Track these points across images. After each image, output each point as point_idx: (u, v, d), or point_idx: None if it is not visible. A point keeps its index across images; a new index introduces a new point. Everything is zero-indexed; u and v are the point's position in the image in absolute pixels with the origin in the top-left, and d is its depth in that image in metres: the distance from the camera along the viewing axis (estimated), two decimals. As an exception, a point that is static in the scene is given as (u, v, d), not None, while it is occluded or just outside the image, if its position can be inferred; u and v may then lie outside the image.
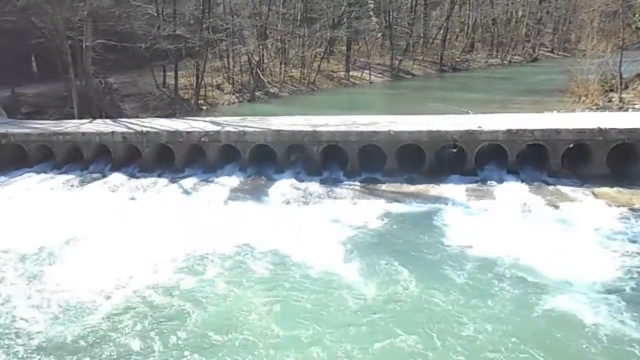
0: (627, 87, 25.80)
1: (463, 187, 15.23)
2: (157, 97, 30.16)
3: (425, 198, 14.76)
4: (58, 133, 18.70)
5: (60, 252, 12.37)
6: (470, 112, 20.33)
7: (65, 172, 18.09)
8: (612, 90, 25.77)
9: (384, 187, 15.73)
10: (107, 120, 21.03)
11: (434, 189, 15.28)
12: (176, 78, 30.46)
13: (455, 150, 16.68)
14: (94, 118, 22.34)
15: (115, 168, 18.00)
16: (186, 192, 16.20)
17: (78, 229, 13.51)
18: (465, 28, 59.90)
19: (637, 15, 27.94)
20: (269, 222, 13.69)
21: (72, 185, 17.05)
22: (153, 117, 25.07)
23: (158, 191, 16.38)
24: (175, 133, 17.91)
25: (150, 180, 17.18)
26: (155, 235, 12.97)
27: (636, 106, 23.22)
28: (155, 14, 29.32)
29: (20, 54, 25.21)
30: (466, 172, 15.97)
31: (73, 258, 12.07)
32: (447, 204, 14.31)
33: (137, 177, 17.46)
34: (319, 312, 9.65)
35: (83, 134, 18.53)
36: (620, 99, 24.44)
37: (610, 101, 24.83)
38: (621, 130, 15.19)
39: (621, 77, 25.58)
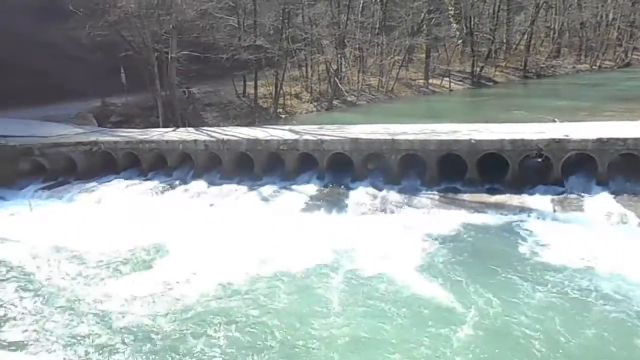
0: None
1: (548, 197, 14.48)
2: (237, 106, 31.01)
3: (508, 209, 14.14)
4: (144, 141, 19.50)
5: (148, 257, 12.84)
6: (556, 120, 19.34)
7: (150, 179, 18.79)
8: None
9: (464, 197, 15.19)
10: (190, 129, 21.77)
11: (517, 200, 14.60)
12: (256, 87, 31.16)
13: (540, 160, 15.75)
14: (178, 127, 23.25)
15: (197, 175, 18.51)
16: (264, 199, 16.39)
17: (160, 235, 14.00)
18: (551, 33, 57.17)
19: None
20: (345, 232, 13.53)
21: (157, 192, 17.69)
22: (233, 125, 25.81)
23: (237, 198, 16.68)
24: (255, 141, 18.20)
25: (230, 187, 17.51)
26: (233, 243, 13.18)
27: None
28: (237, 25, 30.25)
29: (110, 66, 26.76)
30: (552, 182, 15.16)
31: (158, 263, 12.49)
32: (531, 215, 13.66)
33: (218, 184, 17.85)
34: (404, 337, 9.06)
35: (167, 142, 19.25)
36: None
37: None
38: None
39: None
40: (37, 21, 27.25)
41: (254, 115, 30.00)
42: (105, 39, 25.27)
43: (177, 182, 18.31)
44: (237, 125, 26.08)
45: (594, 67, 54.58)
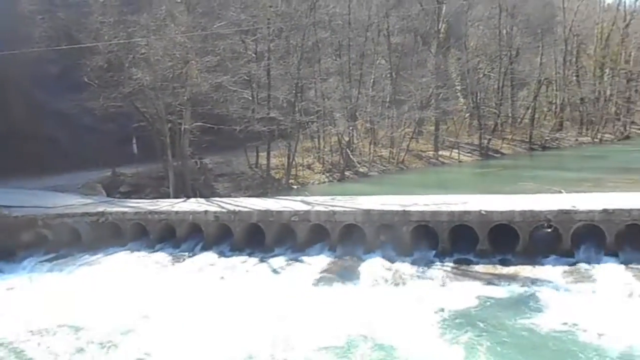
0: None
1: (560, 269, 14.52)
2: (249, 176, 31.36)
3: (520, 280, 14.15)
4: (153, 212, 19.45)
5: (149, 334, 12.51)
6: (563, 191, 19.57)
7: (158, 250, 18.55)
8: None
9: (477, 268, 15.18)
10: (201, 200, 21.93)
11: (529, 271, 14.62)
12: (268, 158, 31.66)
13: (549, 231, 16.04)
14: (188, 197, 23.38)
15: (207, 247, 18.36)
16: (275, 271, 16.27)
17: (165, 311, 13.74)
18: (553, 107, 58.94)
19: None
20: (358, 306, 13.38)
21: (164, 264, 17.41)
22: (245, 196, 25.96)
23: (247, 270, 16.53)
24: (266, 212, 18.29)
25: (240, 259, 17.35)
26: (242, 320, 12.94)
27: None
28: (251, 98, 31.08)
29: (122, 136, 27.25)
30: (562, 253, 15.26)
31: (154, 341, 12.16)
32: (544, 286, 13.67)
33: (228, 256, 17.68)
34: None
35: (177, 212, 19.26)
36: None
37: None
38: None
39: None
40: (52, 91, 28.18)
41: (266, 186, 30.27)
42: (118, 109, 25.84)
43: (186, 254, 18.08)
44: (249, 196, 26.25)
45: (595, 139, 56.00)
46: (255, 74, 30.75)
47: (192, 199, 22.40)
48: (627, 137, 58.41)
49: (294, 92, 32.34)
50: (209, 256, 17.74)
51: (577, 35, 60.97)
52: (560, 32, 59.39)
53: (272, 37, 31.83)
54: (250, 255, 17.59)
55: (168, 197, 23.96)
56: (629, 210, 14.94)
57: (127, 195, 25.45)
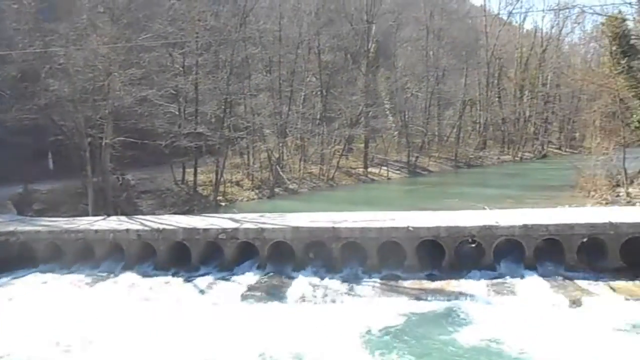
0: (632, 182, 26.62)
1: (483, 282, 14.94)
2: (175, 193, 30.43)
3: (446, 294, 14.45)
4: (69, 230, 18.34)
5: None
6: (486, 207, 20.34)
7: (75, 272, 17.47)
8: (618, 186, 26.63)
9: (404, 284, 15.34)
10: (122, 218, 20.89)
11: (454, 285, 14.94)
12: (195, 174, 30.90)
13: (473, 246, 16.47)
14: (109, 215, 22.24)
15: (129, 267, 17.47)
16: (201, 291, 15.68)
17: (81, 337, 12.79)
18: (477, 127, 61.77)
19: (634, 117, 29.13)
20: (286, 324, 13.11)
21: (81, 286, 16.38)
22: (170, 213, 25.08)
23: (172, 291, 15.80)
24: (192, 230, 17.68)
25: (164, 279, 16.61)
26: (166, 341, 12.37)
27: None
28: (177, 113, 30.32)
29: (36, 150, 25.56)
30: (485, 267, 15.75)
31: None
32: (468, 300, 13.99)
33: (151, 276, 16.89)
34: None
35: (96, 231, 18.23)
36: (627, 194, 25.16)
37: (618, 196, 25.60)
38: (631, 225, 15.46)
39: (626, 173, 26.52)
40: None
41: (193, 203, 29.49)
42: (33, 122, 24.21)
43: (105, 275, 17.08)
44: (175, 213, 25.39)
45: (516, 158, 59.24)
46: (182, 88, 30.10)
47: (113, 217, 21.30)
48: (545, 156, 62.44)
49: (222, 107, 31.90)
50: (131, 276, 16.82)
51: (499, 59, 64.56)
52: (483, 55, 62.65)
53: (200, 51, 31.22)
54: (175, 274, 16.89)
55: (87, 215, 22.62)
56: (546, 226, 15.72)
57: (41, 213, 23.74)
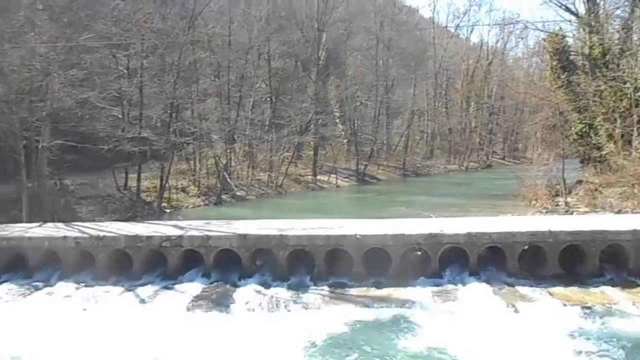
0: (570, 192, 27.84)
1: (429, 289, 15.14)
2: (117, 199, 29.40)
3: (392, 302, 14.52)
4: (0, 238, 17.31)
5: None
6: (432, 215, 20.77)
7: (4, 282, 16.44)
8: (558, 195, 27.65)
9: (351, 291, 15.32)
10: (59, 224, 19.87)
11: (400, 293, 15.04)
12: (139, 180, 29.98)
13: (419, 253, 16.71)
14: (45, 222, 21.13)
15: (65, 276, 16.55)
16: (143, 301, 15.10)
17: (7, 352, 12.00)
18: (425, 136, 63.18)
19: (572, 129, 30.46)
20: (231, 333, 12.77)
21: (11, 298, 15.39)
22: (112, 220, 24.14)
23: (112, 301, 15.11)
24: (135, 237, 17.05)
25: (104, 289, 15.86)
26: (103, 355, 11.82)
27: (580, 210, 24.87)
28: (121, 116, 29.41)
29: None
30: (431, 274, 15.94)
31: None
32: (414, 307, 14.09)
33: (90, 286, 16.06)
34: None
35: (30, 238, 17.23)
36: (566, 203, 26.15)
37: (557, 205, 26.58)
38: (569, 233, 16.04)
39: (565, 183, 27.65)
40: None
41: (136, 209, 28.61)
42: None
43: (39, 285, 16.14)
44: (116, 220, 24.47)
45: (462, 167, 60.97)
46: (126, 91, 29.21)
47: (50, 224, 20.24)
48: (489, 166, 64.70)
49: (168, 111, 31.17)
50: (68, 286, 15.96)
51: (446, 70, 66.51)
52: (431, 66, 64.27)
53: (146, 54, 30.39)
54: (115, 284, 16.17)
55: (21, 221, 21.41)
56: (490, 234, 16.07)
57: (-33, 220, 22.37)
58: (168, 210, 30.15)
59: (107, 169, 29.99)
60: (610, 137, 26.73)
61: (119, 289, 15.86)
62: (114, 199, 29.17)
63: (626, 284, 15.07)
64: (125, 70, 30.34)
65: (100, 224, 20.26)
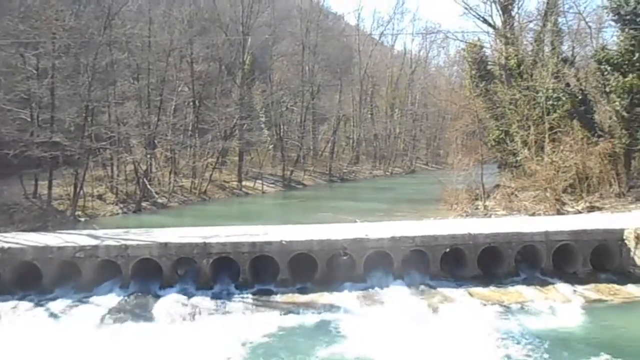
0: (489, 196, 28.81)
1: (354, 294, 15.25)
2: (25, 208, 27.41)
3: (318, 307, 14.53)
4: None
5: None
6: (357, 220, 20.96)
7: None
8: (477, 199, 28.50)
9: (277, 298, 15.21)
10: (-44, 237, 18.26)
11: (326, 298, 15.07)
12: (50, 187, 28.14)
13: (345, 258, 16.77)
14: (-58, 233, 19.33)
15: (-40, 294, 15.19)
16: (55, 315, 14.16)
17: None
18: (351, 142, 64.07)
19: (490, 136, 31.80)
20: (150, 346, 12.23)
21: None
22: (18, 230, 22.48)
23: (19, 318, 14.09)
24: (44, 249, 15.94)
25: (9, 304, 14.71)
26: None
27: (498, 213, 25.71)
28: (29, 120, 27.52)
29: None
30: (356, 279, 16.03)
31: None
32: (340, 312, 14.17)
33: (-9, 303, 14.85)
34: None
35: None
36: (485, 207, 26.96)
37: (477, 208, 27.31)
38: (487, 235, 16.62)
39: (484, 187, 28.62)
40: None
41: (47, 219, 26.78)
42: None
43: None
44: (24, 230, 22.80)
45: (387, 172, 62.35)
46: (36, 93, 27.31)
47: (-54, 236, 18.54)
48: (413, 171, 66.70)
49: (83, 115, 29.51)
50: (-36, 305, 14.65)
51: (372, 77, 67.87)
52: (357, 73, 65.35)
53: (58, 53, 28.49)
54: (22, 299, 15.07)
55: None
56: (413, 237, 16.39)
57: None
58: (83, 219, 28.53)
59: (14, 175, 27.96)
60: (524, 143, 27.91)
61: (28, 304, 14.81)
62: (21, 208, 27.14)
63: (539, 283, 15.78)
64: (34, 71, 28.30)
65: (4, 234, 18.68)
